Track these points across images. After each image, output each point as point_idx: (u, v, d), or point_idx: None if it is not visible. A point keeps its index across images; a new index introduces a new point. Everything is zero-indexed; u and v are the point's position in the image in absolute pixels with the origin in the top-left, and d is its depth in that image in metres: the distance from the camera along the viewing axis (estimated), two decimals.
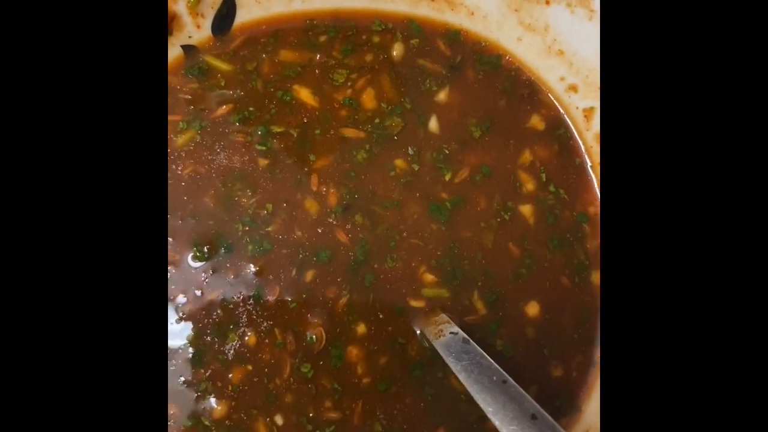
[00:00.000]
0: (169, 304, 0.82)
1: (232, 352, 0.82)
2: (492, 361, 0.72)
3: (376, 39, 0.93)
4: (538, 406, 0.65)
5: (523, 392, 0.68)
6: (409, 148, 0.89)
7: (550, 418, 0.64)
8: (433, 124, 0.90)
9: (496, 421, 0.66)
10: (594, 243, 0.89)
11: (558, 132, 0.93)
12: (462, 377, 0.72)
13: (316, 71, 0.91)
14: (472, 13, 0.93)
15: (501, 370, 0.71)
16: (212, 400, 0.81)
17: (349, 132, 0.89)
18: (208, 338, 0.82)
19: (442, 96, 0.92)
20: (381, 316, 0.84)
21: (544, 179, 0.90)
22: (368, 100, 0.90)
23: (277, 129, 0.88)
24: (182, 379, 0.81)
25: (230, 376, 0.82)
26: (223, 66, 0.91)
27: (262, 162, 0.87)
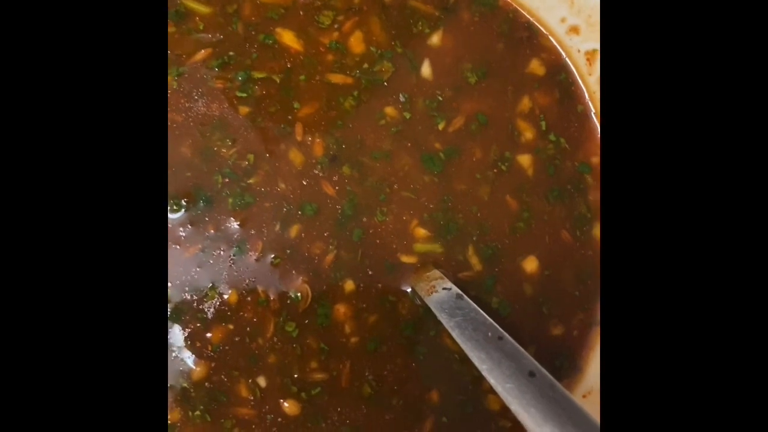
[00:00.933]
0: None
1: (212, 310, 0.78)
2: (487, 316, 0.69)
3: None
4: (536, 363, 0.62)
5: (520, 349, 0.64)
6: (400, 95, 0.84)
7: (549, 375, 0.61)
8: (426, 70, 0.85)
9: (492, 380, 0.63)
10: (596, 195, 0.84)
11: (559, 77, 0.87)
12: (455, 334, 0.69)
13: (300, 13, 0.85)
14: None
15: (497, 326, 0.68)
16: (191, 361, 0.77)
17: (336, 78, 0.84)
18: (187, 296, 0.78)
19: (435, 39, 0.86)
20: (370, 273, 0.80)
21: (544, 128, 0.85)
22: (356, 43, 0.85)
23: (258, 75, 0.83)
24: None
25: (210, 335, 0.77)
26: (202, 8, 0.85)
27: (243, 110, 0.82)
